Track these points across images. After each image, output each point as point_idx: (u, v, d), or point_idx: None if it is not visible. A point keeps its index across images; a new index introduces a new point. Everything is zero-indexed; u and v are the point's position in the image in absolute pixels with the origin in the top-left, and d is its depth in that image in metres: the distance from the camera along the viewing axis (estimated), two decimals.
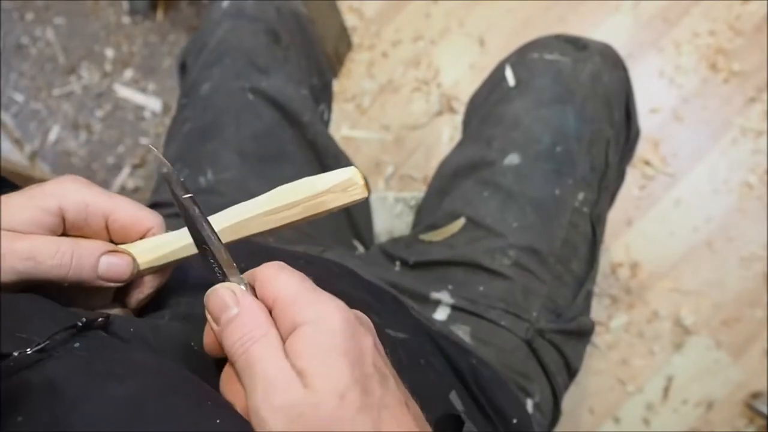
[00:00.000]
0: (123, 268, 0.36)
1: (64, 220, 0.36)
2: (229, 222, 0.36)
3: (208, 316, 0.32)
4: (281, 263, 0.33)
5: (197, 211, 0.33)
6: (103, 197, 0.37)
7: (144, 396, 0.28)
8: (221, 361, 0.33)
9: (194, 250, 0.35)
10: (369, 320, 0.33)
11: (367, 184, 0.34)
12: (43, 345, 0.29)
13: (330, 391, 0.28)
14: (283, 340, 0.30)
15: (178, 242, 0.37)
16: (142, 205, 0.38)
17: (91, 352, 0.30)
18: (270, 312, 0.31)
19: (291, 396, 0.28)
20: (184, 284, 0.42)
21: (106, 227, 0.37)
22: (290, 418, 0.28)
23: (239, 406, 0.30)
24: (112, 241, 0.38)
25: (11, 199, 0.35)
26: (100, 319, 0.32)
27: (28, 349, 0.29)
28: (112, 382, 0.28)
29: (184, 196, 0.33)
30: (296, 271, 0.33)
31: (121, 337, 0.33)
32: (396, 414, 0.30)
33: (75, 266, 0.35)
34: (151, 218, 0.38)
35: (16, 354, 0.28)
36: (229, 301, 0.31)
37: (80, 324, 0.31)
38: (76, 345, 0.30)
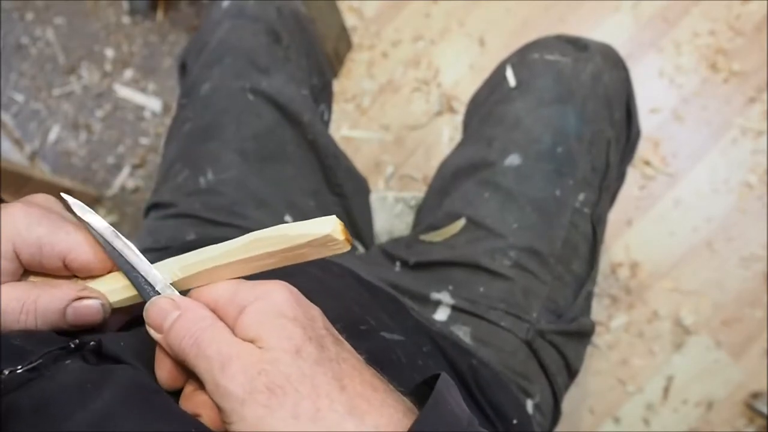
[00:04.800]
0: (93, 316, 0.34)
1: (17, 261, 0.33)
2: (201, 267, 0.33)
3: (150, 330, 0.31)
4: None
5: (120, 241, 0.33)
6: (60, 235, 0.33)
7: (113, 411, 0.28)
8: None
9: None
10: (312, 303, 0.33)
11: (348, 238, 0.31)
12: (35, 364, 0.29)
13: (286, 347, 0.28)
14: (232, 330, 0.30)
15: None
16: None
17: (81, 376, 0.30)
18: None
19: (248, 359, 0.28)
20: None
21: (66, 266, 0.34)
22: (250, 377, 0.27)
23: (205, 415, 0.30)
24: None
25: None
26: (92, 343, 0.32)
27: (20, 368, 0.29)
28: (91, 401, 0.28)
29: (105, 230, 0.33)
30: (229, 280, 0.33)
31: (113, 355, 0.33)
32: (356, 366, 0.30)
33: (41, 321, 0.33)
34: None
35: (6, 373, 0.28)
36: (168, 308, 0.31)
37: (72, 346, 0.31)
38: (68, 362, 0.30)
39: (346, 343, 0.32)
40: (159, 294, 0.33)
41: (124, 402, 0.28)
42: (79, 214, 0.34)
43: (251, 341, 0.29)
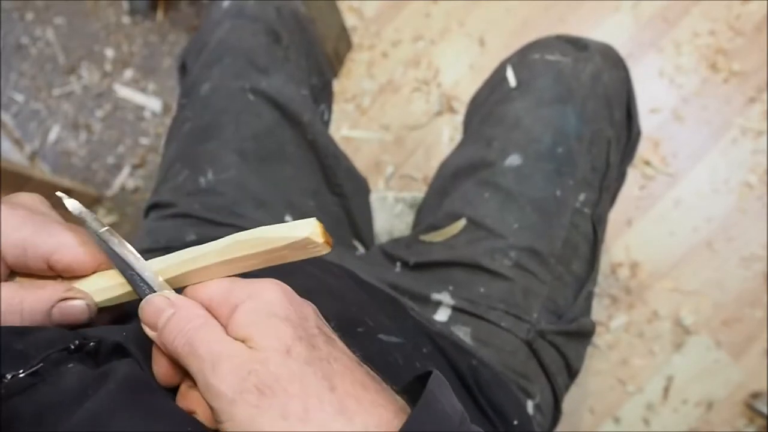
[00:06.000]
0: (78, 316, 0.34)
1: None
2: (182, 269, 0.33)
3: (145, 328, 0.32)
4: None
5: (115, 239, 0.33)
6: (44, 236, 0.34)
7: (108, 410, 0.28)
8: None
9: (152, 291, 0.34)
10: (306, 300, 0.33)
11: (328, 240, 0.32)
12: (36, 368, 0.29)
13: (276, 347, 0.28)
14: (225, 328, 0.30)
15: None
16: (86, 235, 0.35)
17: (82, 380, 0.30)
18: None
19: (238, 359, 0.28)
20: None
21: (51, 267, 0.34)
22: (240, 377, 0.27)
23: (200, 412, 0.30)
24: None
25: None
26: (92, 344, 0.32)
27: (21, 372, 0.29)
28: (87, 401, 0.28)
29: (100, 230, 0.33)
30: (223, 278, 0.33)
31: (116, 347, 0.33)
32: (348, 365, 0.30)
33: (28, 321, 0.33)
34: (99, 253, 0.35)
35: (9, 377, 0.28)
36: (163, 306, 0.31)
37: (72, 347, 0.31)
38: (70, 366, 0.30)
39: (338, 341, 0.32)
40: (155, 292, 0.33)
41: (120, 401, 0.28)
42: (75, 213, 0.34)
43: (242, 340, 0.29)
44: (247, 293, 0.31)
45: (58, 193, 0.35)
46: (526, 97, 0.65)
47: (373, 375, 0.31)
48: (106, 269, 0.35)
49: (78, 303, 0.34)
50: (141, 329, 0.34)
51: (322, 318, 0.32)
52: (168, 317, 0.31)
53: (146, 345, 0.33)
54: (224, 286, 0.32)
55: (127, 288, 0.34)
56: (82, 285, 0.35)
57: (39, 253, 0.33)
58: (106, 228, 0.34)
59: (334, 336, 0.32)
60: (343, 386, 0.28)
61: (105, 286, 0.35)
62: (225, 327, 0.30)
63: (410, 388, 0.33)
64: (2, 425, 0.27)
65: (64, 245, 0.34)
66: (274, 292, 0.31)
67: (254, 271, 0.34)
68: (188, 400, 0.30)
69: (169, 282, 0.34)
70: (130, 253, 0.33)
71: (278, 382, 0.27)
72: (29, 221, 0.34)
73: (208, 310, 0.31)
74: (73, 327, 0.34)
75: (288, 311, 0.30)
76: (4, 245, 0.33)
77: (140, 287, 0.33)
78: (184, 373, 0.31)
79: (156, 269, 0.34)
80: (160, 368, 0.32)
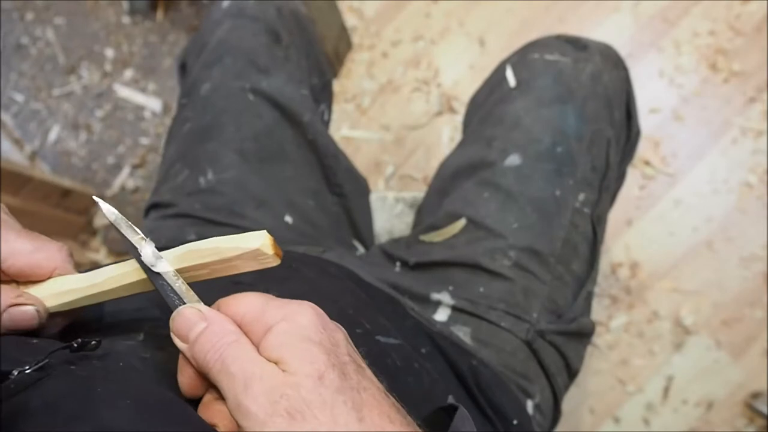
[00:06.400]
0: (28, 321, 0.34)
1: None
2: (136, 277, 0.34)
3: (176, 339, 0.32)
4: (241, 293, 0.33)
5: (150, 249, 0.33)
6: None
7: (135, 422, 0.28)
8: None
9: (104, 298, 0.35)
10: (338, 324, 0.33)
11: (278, 252, 0.32)
12: (42, 363, 0.29)
13: (309, 373, 0.28)
14: (257, 348, 0.30)
15: (87, 288, 0.35)
16: (42, 241, 0.35)
17: (88, 373, 0.30)
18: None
19: (271, 381, 0.28)
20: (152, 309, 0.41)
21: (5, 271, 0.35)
22: (272, 400, 0.27)
23: (222, 426, 0.30)
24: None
25: None
26: (93, 342, 0.32)
27: (28, 368, 0.29)
28: (105, 408, 0.28)
29: (135, 238, 0.33)
30: (258, 293, 0.33)
31: (115, 358, 0.33)
32: (376, 396, 0.30)
33: None
34: (53, 259, 0.35)
35: (15, 373, 0.28)
36: (195, 319, 0.31)
37: (75, 345, 0.31)
38: (73, 367, 0.30)
39: (367, 369, 0.32)
40: (185, 303, 0.33)
41: (142, 409, 0.28)
42: (110, 219, 0.34)
43: (275, 362, 0.29)
44: (282, 315, 0.31)
45: (95, 198, 0.36)
46: (526, 97, 0.65)
47: (399, 407, 0.31)
48: (61, 275, 0.35)
49: (28, 309, 0.34)
50: (153, 337, 0.34)
51: (352, 344, 0.32)
52: (200, 331, 0.31)
53: (146, 361, 0.33)
54: (258, 303, 0.32)
55: (81, 294, 0.35)
56: (35, 290, 0.35)
57: None
58: (141, 236, 0.34)
59: (364, 364, 0.32)
60: (370, 417, 0.28)
61: (59, 291, 0.35)
62: (257, 345, 0.30)
63: (433, 418, 0.33)
64: (10, 421, 0.27)
65: (18, 251, 0.34)
66: (308, 316, 0.31)
67: (253, 274, 0.34)
68: (211, 411, 0.30)
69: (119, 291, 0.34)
70: (163, 262, 0.33)
71: (309, 408, 0.27)
72: None
73: (240, 326, 0.31)
74: (22, 333, 0.34)
75: (321, 336, 0.30)
76: None
77: (170, 297, 0.33)
78: (209, 385, 0.31)
79: (118, 273, 0.34)
80: (185, 379, 0.32)
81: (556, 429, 0.64)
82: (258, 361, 0.29)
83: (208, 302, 0.33)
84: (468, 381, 0.52)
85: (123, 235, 0.34)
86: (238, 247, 0.32)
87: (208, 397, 0.31)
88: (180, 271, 0.33)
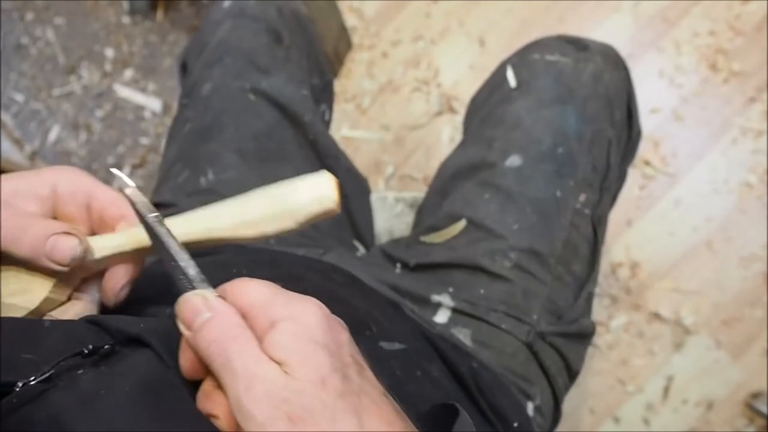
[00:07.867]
0: (67, 251, 0.35)
1: (53, 203, 0.37)
2: (203, 228, 0.36)
3: (180, 325, 0.32)
4: (247, 278, 0.33)
5: (163, 229, 0.34)
6: (91, 180, 0.39)
7: (121, 411, 0.28)
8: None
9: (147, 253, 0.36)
10: (342, 321, 0.33)
11: (340, 201, 0.35)
12: (48, 374, 0.29)
13: (312, 378, 0.28)
14: (260, 342, 0.30)
15: (138, 234, 0.37)
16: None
17: (94, 385, 0.30)
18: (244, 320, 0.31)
19: (273, 384, 0.28)
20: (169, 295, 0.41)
21: (89, 211, 0.38)
22: (274, 405, 0.27)
23: (222, 417, 0.30)
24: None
25: (11, 179, 0.36)
26: (106, 347, 0.32)
27: (33, 379, 0.28)
28: (109, 423, 0.28)
29: (149, 215, 0.34)
30: (265, 281, 0.33)
31: (133, 337, 0.33)
32: (376, 400, 0.30)
33: (28, 248, 0.35)
34: (127, 206, 0.38)
35: (20, 385, 0.28)
36: (201, 307, 0.31)
37: (86, 351, 0.31)
38: (80, 372, 0.30)
39: (368, 371, 0.32)
40: (194, 289, 0.32)
41: (134, 402, 0.28)
42: (128, 194, 0.35)
43: (278, 362, 0.29)
44: (288, 312, 0.30)
45: (113, 170, 0.39)
46: (527, 97, 0.65)
47: (398, 409, 0.31)
48: (125, 227, 0.38)
49: (71, 240, 0.35)
50: (164, 322, 0.34)
51: (354, 344, 0.32)
52: (204, 320, 0.31)
53: (167, 338, 0.33)
54: (265, 295, 0.31)
55: (122, 240, 0.37)
56: (96, 239, 0.37)
57: (84, 189, 0.38)
58: (156, 214, 0.35)
59: (365, 364, 0.32)
60: (370, 423, 0.28)
61: (111, 244, 0.37)
62: (260, 338, 0.30)
63: (431, 415, 0.33)
64: None
65: (104, 189, 0.38)
66: (315, 316, 0.31)
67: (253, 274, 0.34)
68: (212, 401, 0.30)
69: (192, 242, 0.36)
70: (175, 244, 0.34)
71: (310, 414, 0.27)
72: (85, 173, 0.39)
73: (245, 317, 0.31)
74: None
75: (327, 338, 0.30)
76: (62, 180, 0.38)
77: (180, 280, 0.33)
78: (210, 371, 0.31)
79: (180, 231, 0.36)
80: (187, 362, 0.32)
81: (557, 430, 0.64)
82: (261, 360, 0.29)
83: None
84: (468, 383, 0.52)
85: (137, 210, 0.35)
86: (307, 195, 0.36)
87: (209, 385, 0.31)
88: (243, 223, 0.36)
